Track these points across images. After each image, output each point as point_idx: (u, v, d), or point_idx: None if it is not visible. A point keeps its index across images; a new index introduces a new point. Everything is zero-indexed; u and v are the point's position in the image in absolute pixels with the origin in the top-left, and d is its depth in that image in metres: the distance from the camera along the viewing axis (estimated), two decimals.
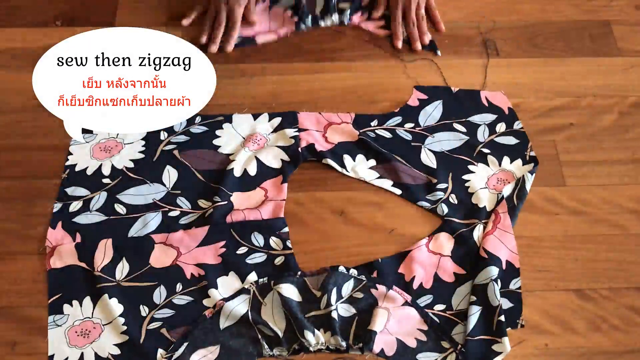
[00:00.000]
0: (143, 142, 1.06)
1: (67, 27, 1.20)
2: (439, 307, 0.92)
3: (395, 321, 0.89)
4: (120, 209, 0.99)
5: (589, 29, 1.23)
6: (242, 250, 0.95)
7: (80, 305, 0.90)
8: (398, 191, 1.02)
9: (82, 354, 0.86)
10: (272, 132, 1.07)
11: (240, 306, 0.90)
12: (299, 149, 1.05)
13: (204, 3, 1.21)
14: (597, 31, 1.23)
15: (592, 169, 1.06)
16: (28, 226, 0.97)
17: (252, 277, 0.93)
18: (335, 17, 1.19)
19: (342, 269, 0.92)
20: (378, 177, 1.03)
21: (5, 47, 1.16)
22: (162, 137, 1.06)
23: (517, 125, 1.09)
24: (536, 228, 0.99)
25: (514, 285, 0.93)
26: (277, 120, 1.09)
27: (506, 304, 0.91)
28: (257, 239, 0.96)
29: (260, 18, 1.20)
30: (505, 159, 1.05)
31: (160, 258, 0.94)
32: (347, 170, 1.04)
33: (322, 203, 1.01)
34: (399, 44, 1.18)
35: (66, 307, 0.90)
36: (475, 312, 0.89)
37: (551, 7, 1.27)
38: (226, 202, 0.99)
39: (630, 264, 0.96)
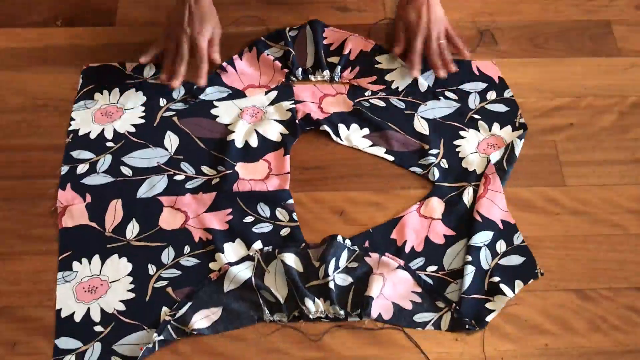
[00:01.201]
0: (143, 108, 1.08)
1: (67, 27, 1.20)
2: (431, 268, 0.94)
3: (390, 286, 0.92)
4: (126, 171, 1.01)
5: (589, 29, 1.24)
6: (248, 219, 0.98)
7: (89, 263, 0.93)
8: (391, 157, 1.05)
9: (88, 309, 0.89)
10: (269, 105, 1.10)
11: (244, 271, 0.92)
12: (296, 121, 1.07)
13: (161, 39, 1.10)
14: (597, 31, 1.23)
15: (592, 169, 1.06)
16: (28, 226, 0.97)
17: (258, 245, 0.95)
18: (326, 73, 1.13)
19: (339, 238, 0.94)
20: (371, 145, 1.06)
21: (5, 47, 1.16)
22: (161, 104, 1.09)
23: (507, 94, 1.12)
24: (536, 228, 0.99)
25: (517, 240, 0.96)
26: (274, 94, 1.11)
27: (517, 259, 0.94)
28: (263, 210, 0.99)
29: (249, 68, 1.14)
30: (495, 125, 1.08)
31: (169, 220, 0.97)
32: (341, 139, 1.06)
33: (322, 203, 1.01)
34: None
35: (75, 265, 0.93)
36: (470, 272, 0.92)
37: (551, 7, 1.27)
38: (231, 171, 1.01)
39: (630, 264, 0.96)
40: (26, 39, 1.18)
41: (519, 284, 0.93)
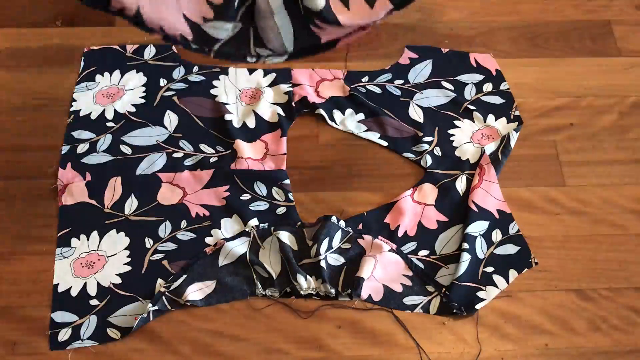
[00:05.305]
0: (143, 89, 1.10)
1: (67, 27, 1.20)
2: (423, 252, 0.95)
3: (382, 268, 0.93)
4: (125, 149, 1.03)
5: (589, 29, 1.23)
6: (245, 196, 0.99)
7: (87, 239, 0.95)
8: (384, 143, 1.06)
9: (85, 284, 0.91)
10: (267, 87, 1.11)
11: (239, 247, 0.94)
12: (293, 103, 1.09)
13: None
14: (597, 31, 1.23)
15: (592, 169, 1.06)
16: (28, 226, 0.97)
17: (254, 222, 0.97)
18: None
19: (334, 219, 0.95)
20: (366, 130, 1.07)
21: (5, 47, 1.16)
22: (161, 84, 1.11)
23: (503, 86, 1.13)
24: (536, 228, 0.99)
25: (512, 229, 0.97)
26: (272, 76, 1.12)
27: (512, 248, 0.95)
28: (260, 188, 1.00)
29: None
30: (490, 117, 1.09)
31: (167, 196, 0.99)
32: (336, 123, 1.08)
33: (322, 203, 1.01)
34: None
35: (74, 241, 0.95)
36: (465, 260, 0.93)
37: (551, 7, 1.27)
38: (229, 152, 1.03)
39: (630, 264, 0.96)
40: (26, 39, 1.18)
41: (513, 273, 0.93)
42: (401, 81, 1.13)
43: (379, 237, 0.95)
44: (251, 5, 0.77)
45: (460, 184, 1.01)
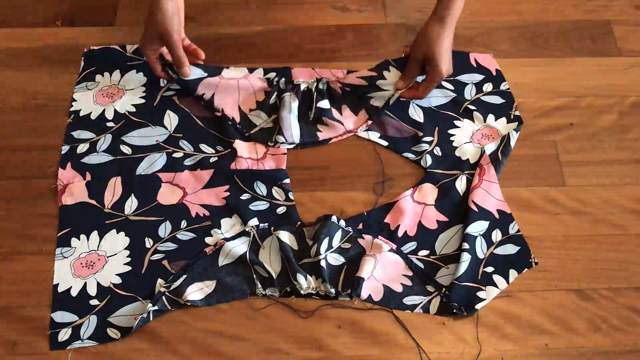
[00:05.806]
0: (143, 89, 1.11)
1: (67, 27, 1.20)
2: (423, 252, 0.95)
3: (382, 268, 0.93)
4: (125, 149, 1.03)
5: (589, 29, 1.24)
6: (245, 196, 0.99)
7: (87, 239, 0.95)
8: (385, 143, 1.07)
9: (85, 284, 0.91)
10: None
11: (239, 247, 0.94)
12: None
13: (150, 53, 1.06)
14: (597, 31, 1.23)
15: (592, 169, 1.06)
16: (28, 226, 0.97)
17: (254, 222, 0.97)
18: (311, 82, 1.08)
19: (334, 218, 0.95)
20: (366, 130, 1.07)
21: (5, 47, 1.16)
22: (161, 84, 1.11)
23: (503, 86, 1.13)
24: (536, 228, 0.99)
25: (512, 229, 0.97)
26: (272, 75, 1.12)
27: (512, 248, 0.95)
28: (260, 188, 1.00)
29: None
30: (490, 117, 1.10)
31: (167, 196, 0.99)
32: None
33: (322, 203, 1.01)
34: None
35: (74, 241, 0.95)
36: (466, 260, 0.93)
37: (551, 7, 1.27)
38: (229, 151, 1.04)
39: (630, 264, 0.96)
40: (26, 39, 1.18)
41: (513, 273, 0.94)
42: None
43: (379, 237, 0.95)
44: (280, 101, 1.05)
45: (460, 184, 1.01)
